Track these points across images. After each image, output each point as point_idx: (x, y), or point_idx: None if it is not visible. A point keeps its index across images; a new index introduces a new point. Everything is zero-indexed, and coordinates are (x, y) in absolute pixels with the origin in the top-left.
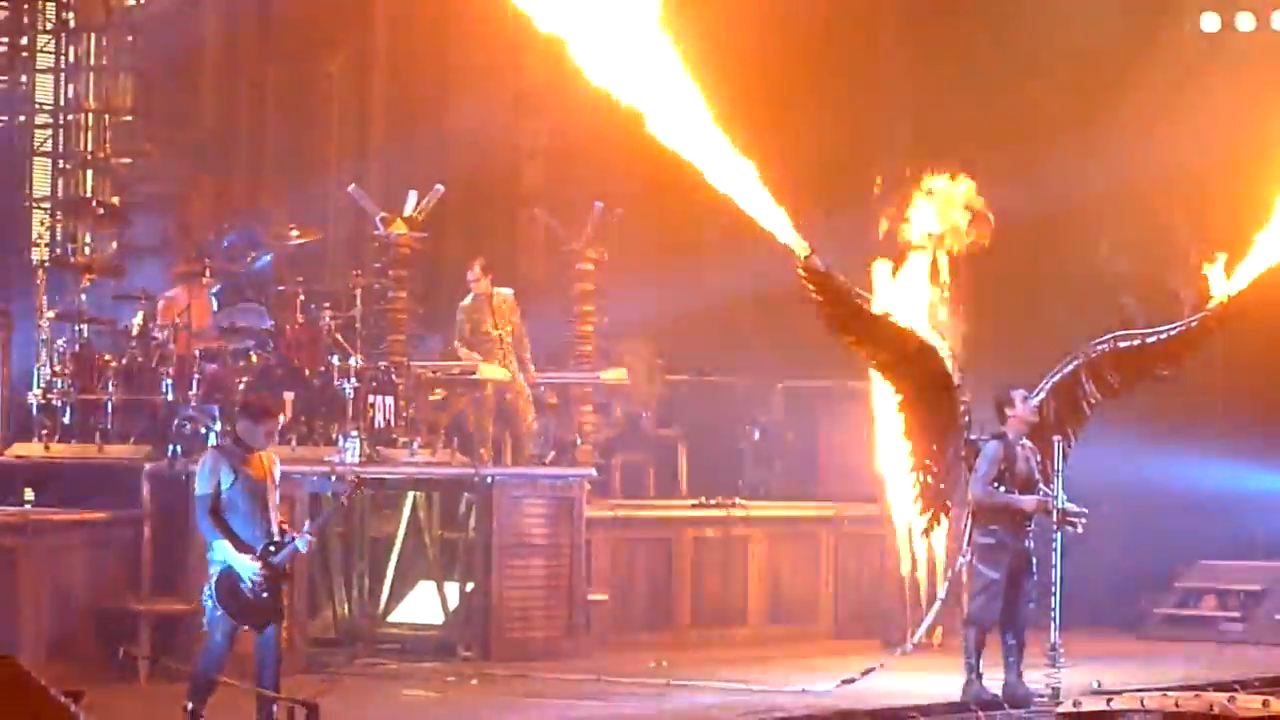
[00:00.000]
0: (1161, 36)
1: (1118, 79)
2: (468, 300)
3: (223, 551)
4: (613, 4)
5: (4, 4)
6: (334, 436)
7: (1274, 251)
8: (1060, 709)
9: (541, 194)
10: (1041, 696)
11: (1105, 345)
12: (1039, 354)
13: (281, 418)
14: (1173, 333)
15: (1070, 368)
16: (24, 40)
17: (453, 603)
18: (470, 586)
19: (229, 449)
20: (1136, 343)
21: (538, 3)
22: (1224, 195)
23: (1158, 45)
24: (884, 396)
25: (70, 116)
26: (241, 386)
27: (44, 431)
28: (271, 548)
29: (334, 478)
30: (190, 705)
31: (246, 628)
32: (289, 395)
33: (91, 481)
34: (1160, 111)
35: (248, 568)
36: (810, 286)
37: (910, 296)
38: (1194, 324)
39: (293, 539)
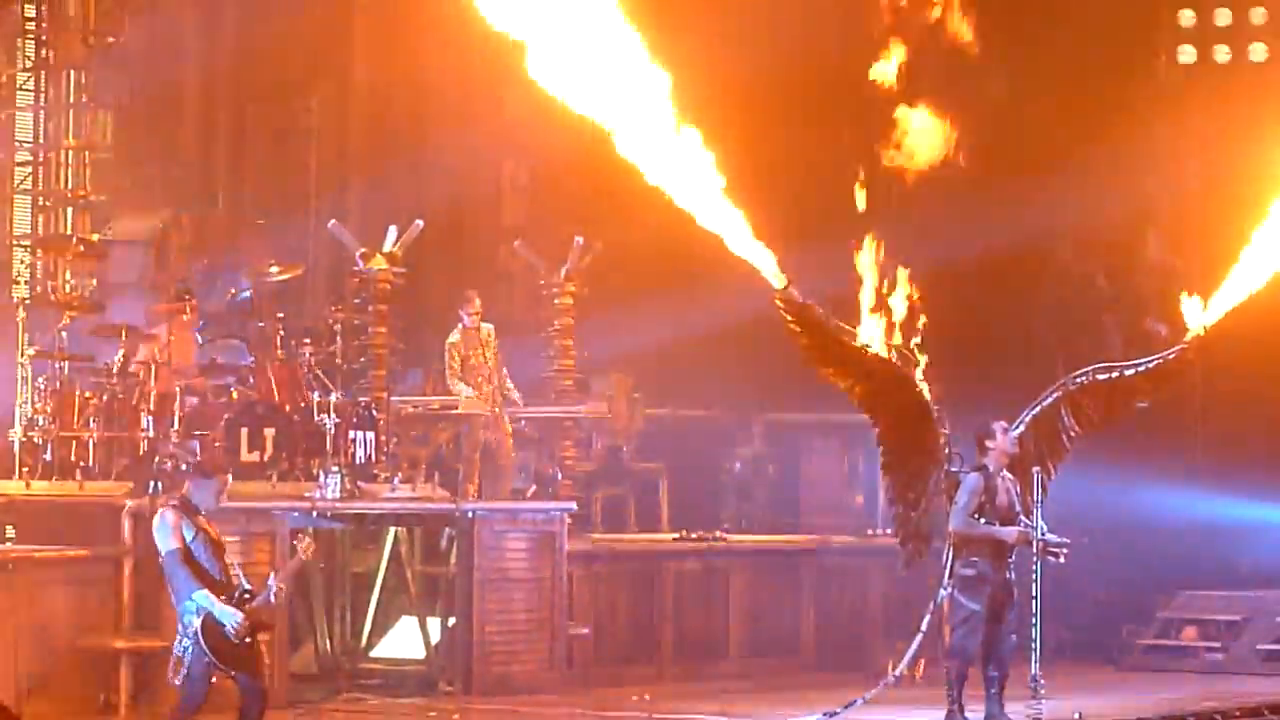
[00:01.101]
0: (1139, 69)
1: (1095, 112)
2: (455, 335)
3: (203, 600)
4: (594, 35)
5: None
6: (315, 472)
7: (1250, 283)
8: None
9: (521, 229)
10: None
11: (1084, 378)
12: (1020, 385)
13: (230, 477)
14: (1150, 365)
15: (1050, 400)
16: (2, 78)
17: (434, 637)
18: (452, 621)
19: (181, 508)
20: (1115, 375)
21: (516, 30)
22: (1201, 226)
23: (1135, 78)
24: (865, 429)
25: (49, 154)
26: (223, 423)
27: (24, 469)
28: (245, 595)
29: (299, 542)
30: None
31: (234, 673)
32: (269, 431)
33: (72, 519)
34: (1137, 144)
35: (229, 614)
36: (788, 318)
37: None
38: (1171, 356)
39: (264, 590)
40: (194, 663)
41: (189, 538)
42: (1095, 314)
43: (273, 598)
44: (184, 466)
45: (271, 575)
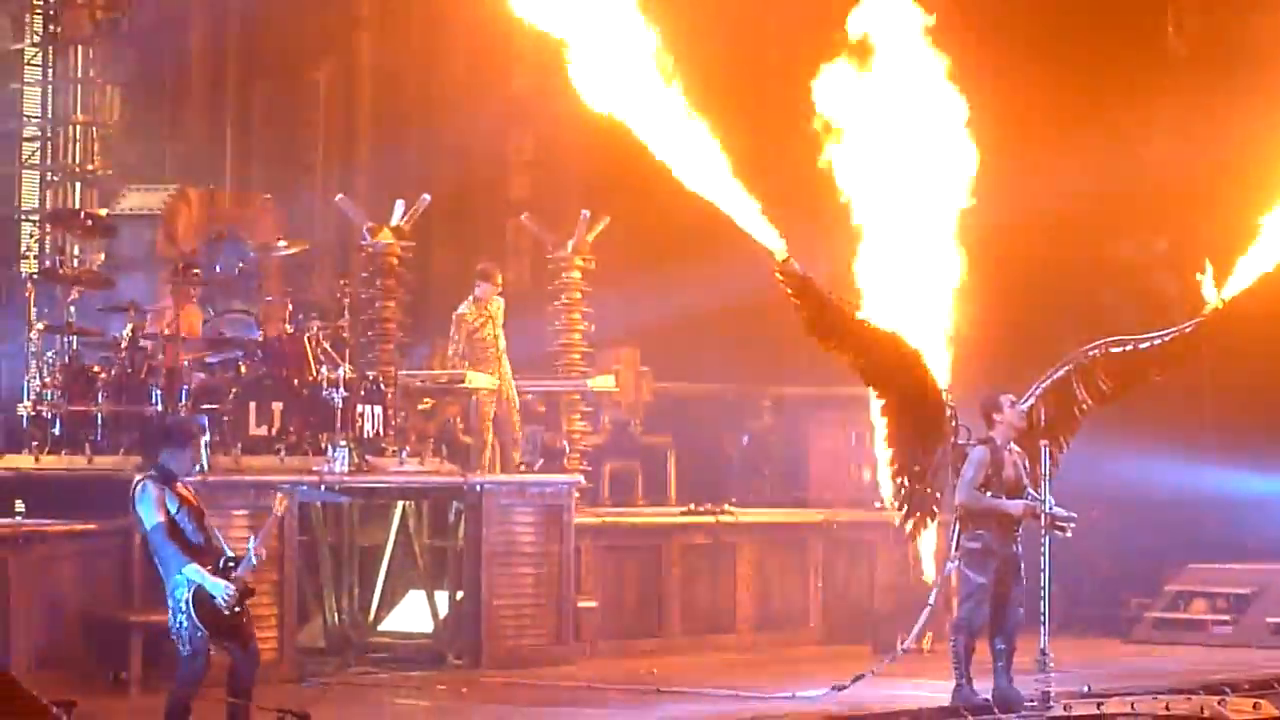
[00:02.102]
0: (1147, 39)
1: (1102, 82)
2: (465, 307)
3: (193, 574)
4: (600, 15)
5: None
6: (323, 446)
7: (1267, 258)
8: (1051, 713)
9: (529, 202)
10: (1031, 701)
11: (1097, 351)
12: (1034, 357)
13: (205, 441)
14: (1166, 339)
15: (1061, 373)
16: (11, 53)
17: (443, 611)
18: (460, 595)
19: (159, 479)
20: (1129, 348)
21: (528, 12)
22: (1214, 199)
23: (1143, 48)
24: (871, 402)
25: (57, 129)
26: (231, 397)
27: (34, 443)
28: (231, 564)
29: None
30: None
31: (227, 645)
32: (277, 405)
33: (81, 492)
34: (1144, 114)
35: (219, 586)
36: (788, 290)
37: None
38: (1188, 330)
39: (245, 556)
40: (189, 637)
41: (173, 510)
42: (1107, 283)
43: (254, 560)
44: (155, 435)
45: (251, 539)
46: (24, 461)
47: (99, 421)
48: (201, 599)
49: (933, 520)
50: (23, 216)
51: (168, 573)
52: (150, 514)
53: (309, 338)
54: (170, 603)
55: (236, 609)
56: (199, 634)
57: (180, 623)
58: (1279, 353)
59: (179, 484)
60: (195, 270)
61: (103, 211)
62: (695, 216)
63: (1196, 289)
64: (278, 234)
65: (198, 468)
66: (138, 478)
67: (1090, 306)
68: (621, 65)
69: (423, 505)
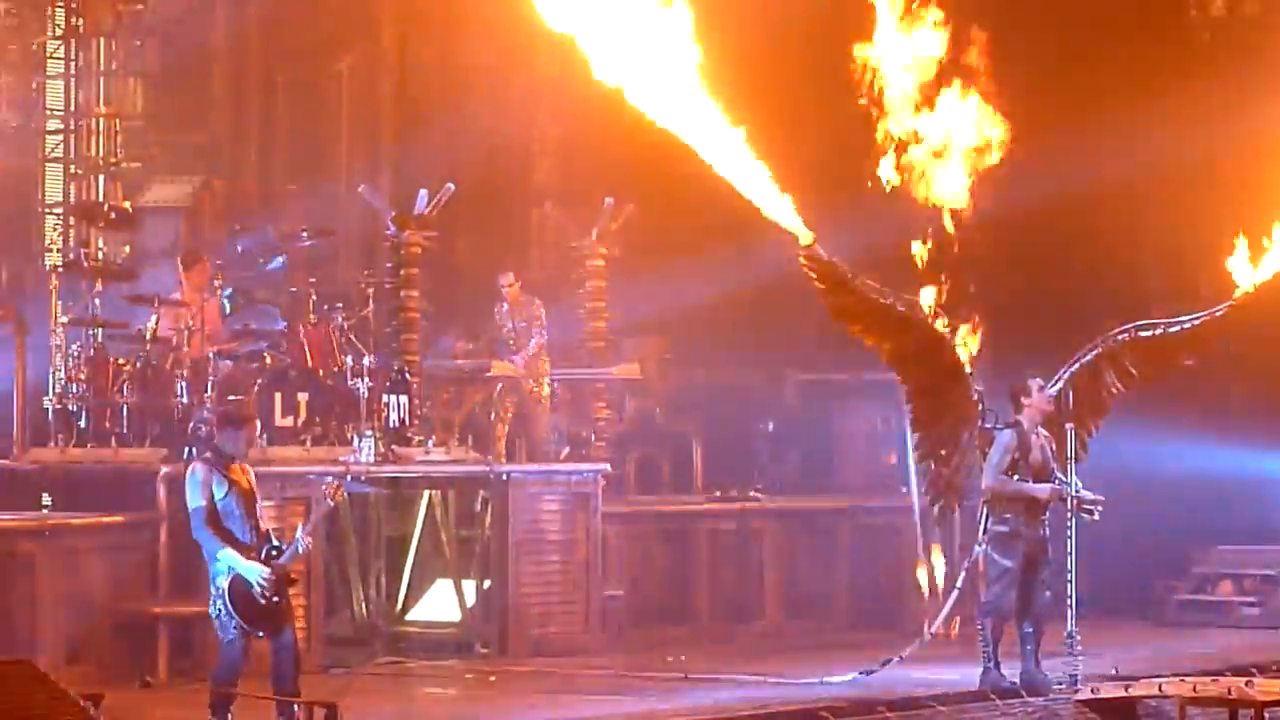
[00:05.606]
0: (1169, 24)
1: (1125, 67)
2: (502, 307)
3: (229, 560)
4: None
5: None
6: (349, 436)
7: None
8: (1078, 696)
9: (552, 191)
10: (1059, 684)
11: (1126, 335)
12: (1061, 341)
13: (259, 423)
14: (1197, 322)
15: (1089, 357)
16: (34, 46)
17: (470, 600)
18: (487, 584)
19: (213, 461)
20: (1159, 332)
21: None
22: (1241, 183)
23: (1165, 33)
24: (897, 387)
25: (81, 121)
26: (256, 388)
27: (60, 436)
28: (274, 552)
29: (324, 486)
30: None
31: (262, 634)
32: (303, 396)
33: (108, 485)
34: (1167, 99)
35: (256, 572)
36: (812, 275)
37: None
38: (1219, 313)
39: (292, 543)
40: (226, 625)
41: (220, 494)
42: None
43: (300, 549)
44: (207, 416)
45: (299, 528)
46: (50, 454)
47: (124, 414)
48: (238, 586)
49: (959, 504)
50: (47, 210)
51: (208, 558)
52: (193, 496)
53: (334, 328)
54: (211, 590)
55: (275, 597)
56: (233, 621)
57: (218, 609)
58: None
59: (235, 466)
60: (219, 262)
61: (127, 204)
62: (720, 203)
63: (1225, 273)
64: (302, 224)
65: (253, 448)
66: (193, 461)
67: (1118, 291)
68: (646, 54)
69: (449, 494)
